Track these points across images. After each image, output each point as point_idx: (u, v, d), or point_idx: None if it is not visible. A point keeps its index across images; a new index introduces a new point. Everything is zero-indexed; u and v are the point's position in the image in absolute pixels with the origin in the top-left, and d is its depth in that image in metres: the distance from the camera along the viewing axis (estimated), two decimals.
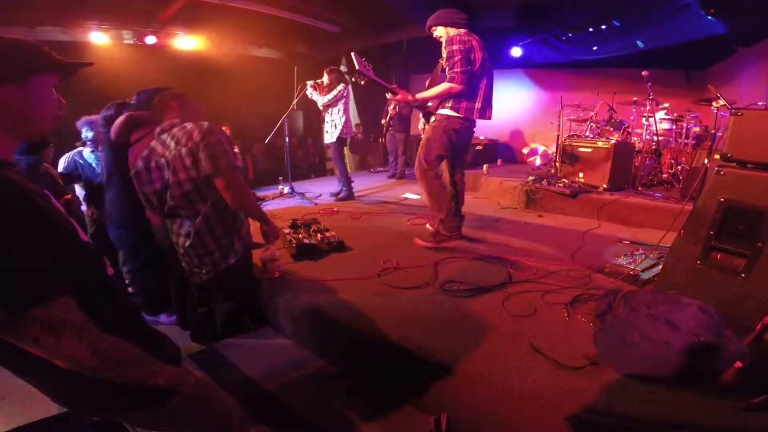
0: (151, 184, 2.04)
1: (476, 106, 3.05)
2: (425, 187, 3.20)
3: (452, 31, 3.03)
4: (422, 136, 3.85)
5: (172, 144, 1.95)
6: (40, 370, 0.91)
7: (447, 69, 2.95)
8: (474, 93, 3.03)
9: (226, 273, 2.15)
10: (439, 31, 3.10)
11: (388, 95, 3.29)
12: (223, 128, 5.90)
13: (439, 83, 3.06)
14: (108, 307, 1.00)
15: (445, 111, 3.04)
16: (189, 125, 1.96)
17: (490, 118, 3.15)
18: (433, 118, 3.15)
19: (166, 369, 1.03)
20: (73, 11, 5.76)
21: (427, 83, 3.35)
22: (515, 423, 1.57)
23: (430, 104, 3.23)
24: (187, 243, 2.07)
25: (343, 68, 8.08)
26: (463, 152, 3.44)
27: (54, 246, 0.85)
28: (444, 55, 2.97)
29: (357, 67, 3.05)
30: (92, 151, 3.36)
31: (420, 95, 3.11)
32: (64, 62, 0.97)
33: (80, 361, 0.86)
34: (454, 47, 2.88)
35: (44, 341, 0.82)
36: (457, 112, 3.02)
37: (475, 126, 3.23)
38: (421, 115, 3.44)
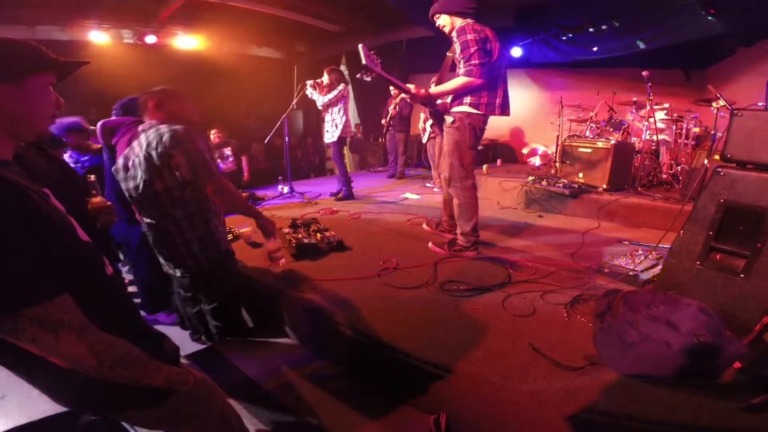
0: (126, 182, 2.06)
1: (497, 102, 2.79)
2: (460, 197, 2.96)
3: (458, 21, 2.74)
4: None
5: (145, 144, 1.96)
6: (40, 369, 0.91)
7: (462, 62, 2.67)
8: (494, 87, 2.76)
9: (203, 277, 2.14)
10: (443, 20, 2.82)
11: (398, 91, 3.03)
12: (214, 132, 5.90)
13: (448, 80, 2.80)
14: (107, 306, 1.01)
15: (465, 108, 2.77)
16: (162, 128, 1.95)
17: (509, 114, 2.87)
18: (450, 119, 2.84)
19: (164, 369, 1.04)
20: (73, 11, 5.76)
21: (432, 82, 3.20)
22: (514, 422, 1.57)
23: (438, 102, 2.94)
24: (156, 244, 2.07)
25: (343, 68, 8.08)
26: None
27: (51, 245, 0.85)
28: (456, 46, 2.68)
29: (363, 62, 2.69)
30: (70, 156, 3.36)
31: (434, 90, 2.82)
32: (60, 61, 0.97)
33: (79, 360, 0.87)
34: (469, 37, 2.60)
35: (42, 341, 0.82)
36: (478, 109, 2.75)
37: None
38: (422, 114, 3.30)
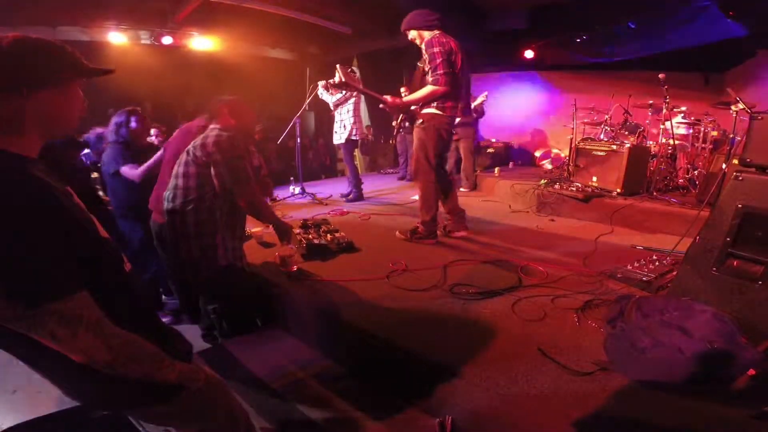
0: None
1: (459, 105, 3.16)
2: (423, 190, 3.31)
3: (427, 34, 3.05)
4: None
5: (198, 141, 2.05)
6: (56, 364, 0.93)
7: (429, 72, 3.00)
8: (457, 93, 3.11)
9: (203, 284, 2.16)
10: (412, 34, 3.15)
11: (408, 93, 3.41)
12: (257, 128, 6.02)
13: (420, 86, 3.15)
14: (124, 302, 1.02)
15: (431, 110, 3.11)
16: (213, 132, 2.05)
17: (470, 115, 3.36)
18: (420, 121, 3.21)
19: (177, 365, 1.05)
20: (92, 12, 5.88)
21: (403, 89, 3.47)
22: (521, 427, 1.55)
23: (413, 108, 3.30)
24: (167, 243, 2.11)
25: (354, 69, 8.10)
26: (445, 150, 3.52)
27: (74, 242, 0.87)
28: (425, 58, 3.02)
29: (343, 79, 3.17)
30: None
31: (406, 99, 3.21)
32: (95, 69, 1.01)
33: (95, 355, 0.88)
34: (435, 50, 2.92)
35: (61, 335, 0.83)
36: (443, 111, 3.10)
37: (455, 124, 3.35)
38: (398, 119, 3.59)
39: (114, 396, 1.05)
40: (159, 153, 2.78)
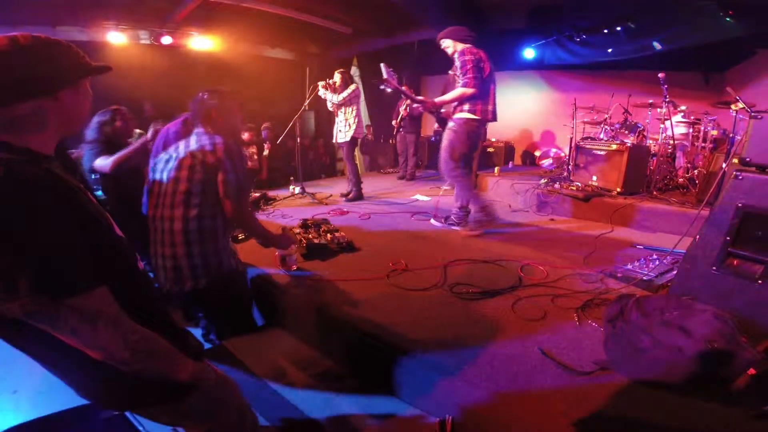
0: (161, 173, 2.05)
1: (489, 108, 3.44)
2: (460, 184, 3.59)
3: (460, 45, 3.41)
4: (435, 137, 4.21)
5: (195, 146, 1.95)
6: (72, 363, 0.94)
7: (460, 76, 3.33)
8: (486, 97, 3.41)
9: (201, 292, 2.06)
10: (447, 43, 3.50)
11: (410, 103, 3.70)
12: (265, 125, 6.01)
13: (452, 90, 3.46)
14: (138, 299, 1.03)
15: (464, 115, 3.40)
16: (218, 139, 1.97)
17: (497, 119, 3.55)
18: (451, 124, 3.49)
19: (189, 363, 1.06)
20: (91, 11, 5.88)
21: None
22: (522, 427, 1.55)
23: (443, 110, 3.67)
24: (156, 250, 2.02)
25: (354, 69, 8.09)
26: (473, 150, 3.71)
27: (93, 238, 0.89)
28: (457, 64, 3.36)
29: (384, 76, 3.43)
30: None
31: (438, 99, 3.53)
32: (99, 66, 1.03)
33: (113, 351, 0.89)
34: (467, 57, 3.29)
35: (81, 331, 0.84)
36: (474, 114, 3.38)
37: (484, 127, 3.69)
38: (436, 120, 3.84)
39: (128, 395, 1.05)
40: (137, 142, 2.83)
